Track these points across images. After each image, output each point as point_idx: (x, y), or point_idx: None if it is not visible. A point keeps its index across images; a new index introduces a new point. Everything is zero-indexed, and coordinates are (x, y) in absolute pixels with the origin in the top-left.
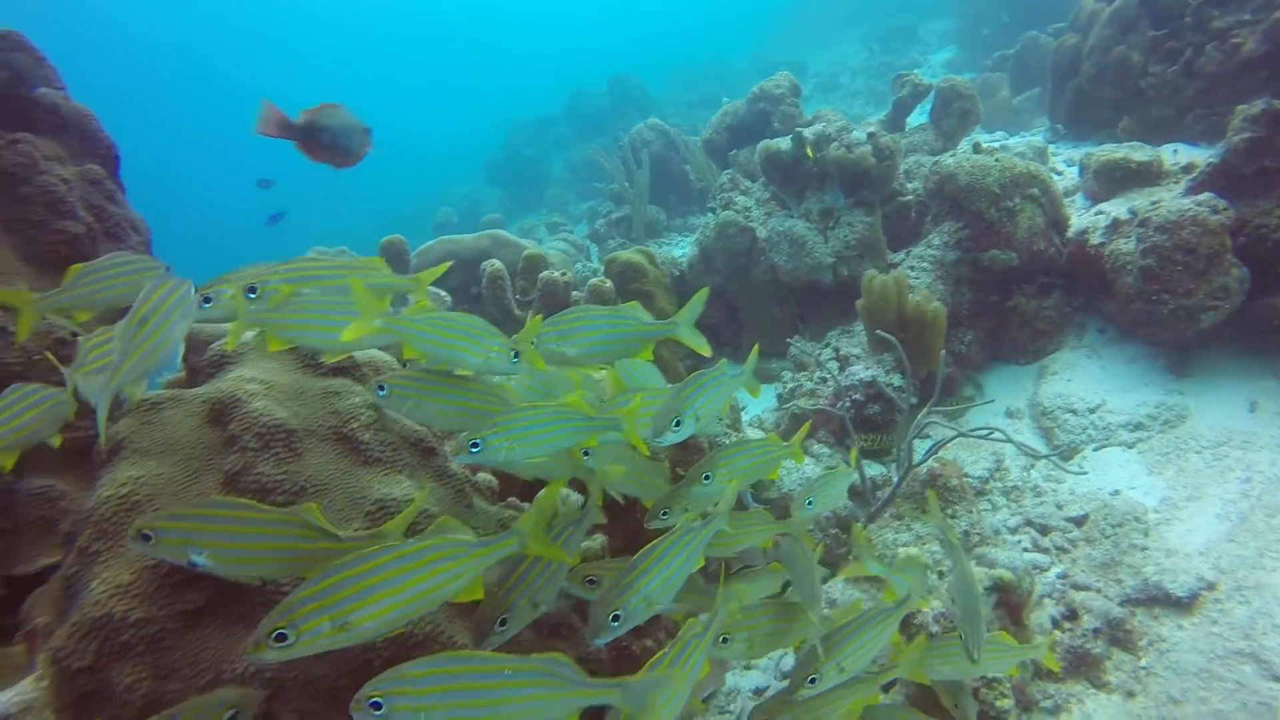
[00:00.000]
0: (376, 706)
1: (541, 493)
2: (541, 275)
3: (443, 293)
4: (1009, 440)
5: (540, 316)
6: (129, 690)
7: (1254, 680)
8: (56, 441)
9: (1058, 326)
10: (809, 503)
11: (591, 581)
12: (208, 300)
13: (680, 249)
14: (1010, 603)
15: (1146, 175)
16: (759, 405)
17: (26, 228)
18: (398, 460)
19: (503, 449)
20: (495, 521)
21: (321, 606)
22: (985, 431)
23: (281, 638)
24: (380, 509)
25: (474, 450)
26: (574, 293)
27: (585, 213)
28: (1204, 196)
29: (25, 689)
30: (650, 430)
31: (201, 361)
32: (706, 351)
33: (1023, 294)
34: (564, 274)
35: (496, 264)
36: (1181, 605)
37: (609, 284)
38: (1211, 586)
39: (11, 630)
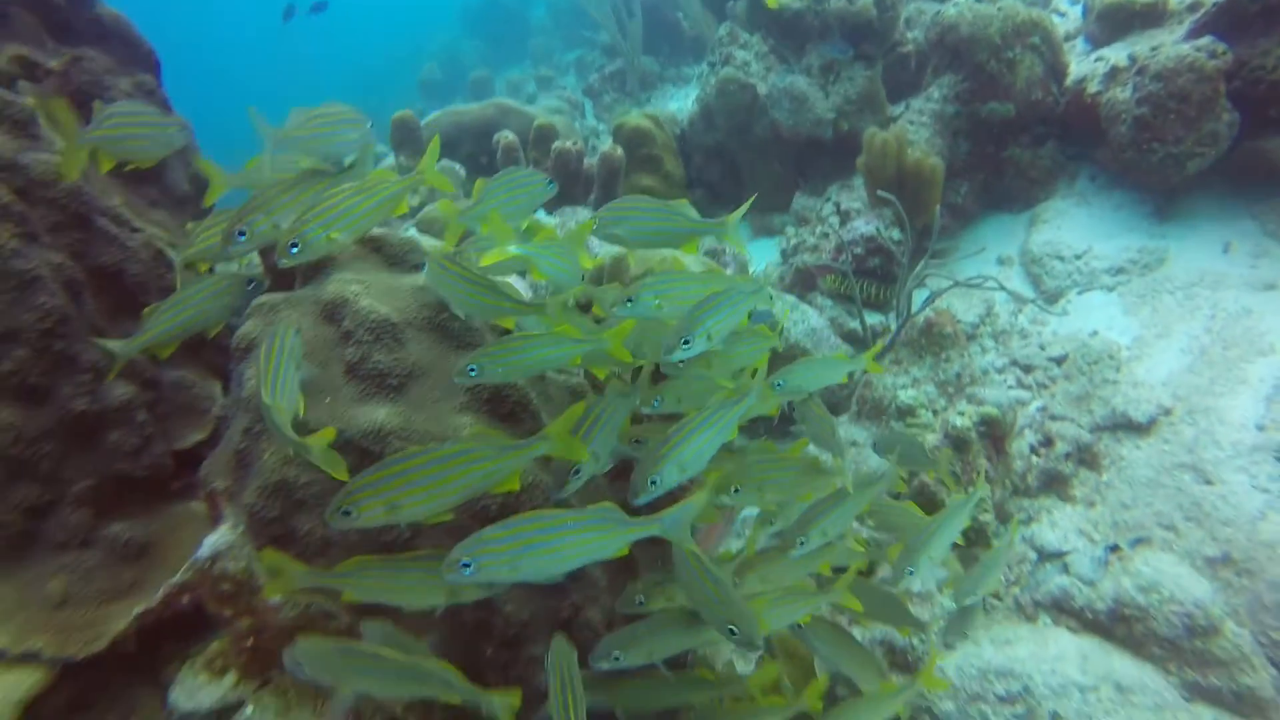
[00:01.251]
0: (466, 566)
1: (570, 409)
2: (554, 146)
3: (456, 165)
4: (1001, 288)
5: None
6: (309, 534)
7: (1190, 486)
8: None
9: (1051, 175)
10: (778, 385)
11: (638, 442)
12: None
13: (675, 101)
14: (995, 435)
15: (1151, 16)
16: (764, 259)
17: None
18: (483, 343)
19: (499, 372)
20: (565, 388)
21: (375, 494)
22: (980, 280)
23: (346, 514)
24: (476, 384)
25: (471, 373)
26: (586, 160)
27: (573, 63)
28: (1204, 41)
29: (225, 533)
30: (662, 349)
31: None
32: (746, 254)
33: (1018, 144)
34: (574, 143)
35: (510, 136)
36: (1141, 429)
37: (619, 151)
38: (1168, 412)
39: (184, 490)
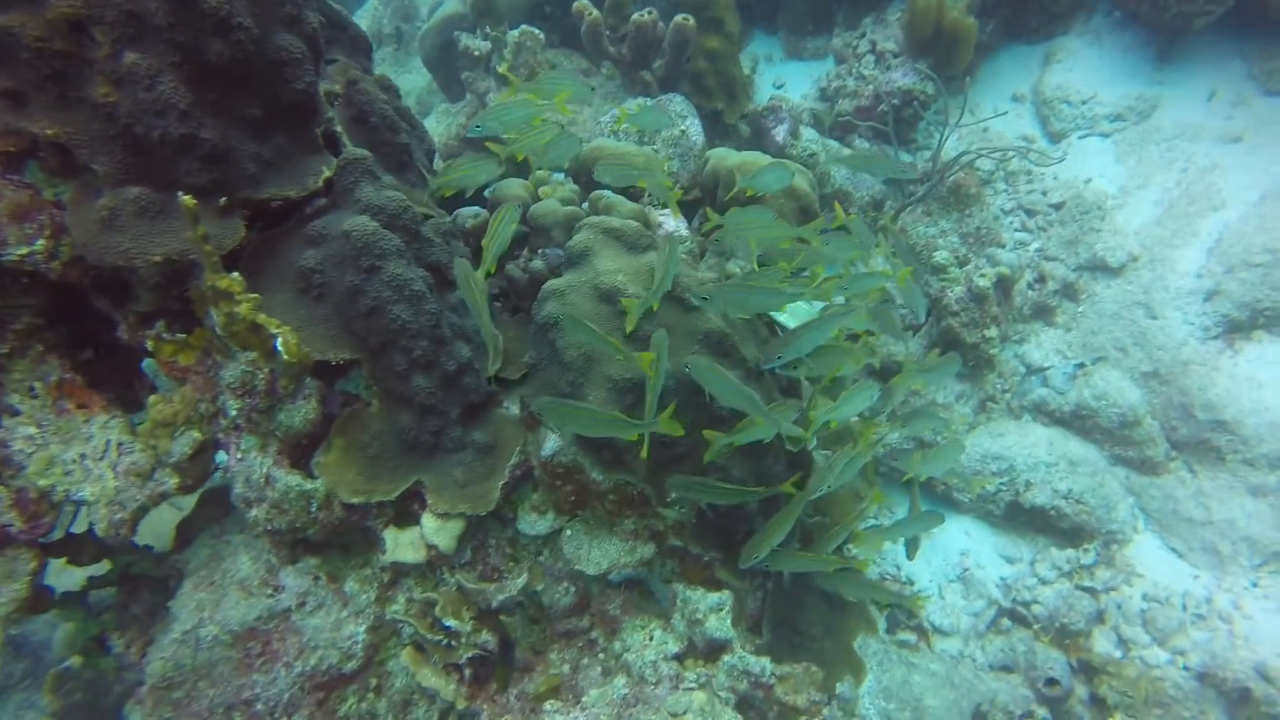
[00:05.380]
0: None
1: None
2: (633, 18)
3: (536, 30)
4: (1016, 151)
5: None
6: (612, 443)
7: (1141, 319)
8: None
9: (1071, 11)
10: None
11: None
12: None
13: None
14: (1005, 286)
15: None
16: (797, 89)
17: (384, 148)
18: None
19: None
20: (745, 325)
21: (560, 418)
22: (1001, 154)
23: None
24: (705, 336)
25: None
26: (659, 25)
27: None
28: None
29: (556, 440)
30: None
31: (551, 254)
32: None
33: None
34: (650, 12)
35: (595, 14)
36: (1113, 271)
37: (691, 21)
38: (1135, 258)
39: (497, 401)
